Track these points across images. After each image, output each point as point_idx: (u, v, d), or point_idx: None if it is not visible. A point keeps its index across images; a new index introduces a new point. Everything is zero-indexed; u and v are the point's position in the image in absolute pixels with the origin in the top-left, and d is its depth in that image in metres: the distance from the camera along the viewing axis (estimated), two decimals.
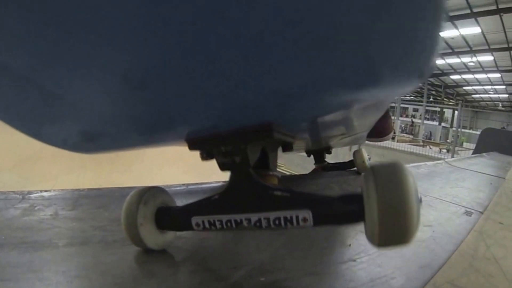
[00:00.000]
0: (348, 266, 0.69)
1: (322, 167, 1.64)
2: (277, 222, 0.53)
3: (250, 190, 0.55)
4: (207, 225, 0.57)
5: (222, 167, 0.57)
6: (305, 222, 0.53)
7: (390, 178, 0.47)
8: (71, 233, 0.66)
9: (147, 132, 0.53)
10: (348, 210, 0.53)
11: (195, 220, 0.58)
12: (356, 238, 0.83)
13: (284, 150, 0.65)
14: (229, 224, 0.56)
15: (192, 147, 0.56)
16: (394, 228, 0.46)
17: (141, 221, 0.60)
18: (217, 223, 0.56)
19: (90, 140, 0.55)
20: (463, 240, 0.94)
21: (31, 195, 0.77)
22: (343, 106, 0.50)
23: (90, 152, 0.63)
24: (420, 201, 0.47)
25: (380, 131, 1.60)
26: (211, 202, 0.58)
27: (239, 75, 0.36)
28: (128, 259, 0.59)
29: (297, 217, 0.53)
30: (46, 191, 0.80)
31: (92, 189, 0.83)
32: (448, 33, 15.82)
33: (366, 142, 1.71)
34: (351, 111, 0.58)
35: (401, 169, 0.48)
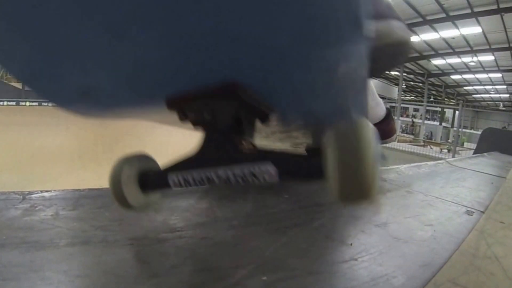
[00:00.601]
0: (350, 265, 0.69)
1: None
2: (243, 176, 0.56)
3: (218, 146, 0.59)
4: (182, 182, 0.60)
5: (194, 124, 0.61)
6: (270, 176, 0.54)
7: (349, 135, 0.48)
8: (72, 233, 0.66)
9: (130, 88, 0.60)
10: (311, 166, 0.55)
11: (171, 177, 0.61)
12: (357, 237, 0.83)
13: (262, 121, 0.66)
14: (201, 180, 0.58)
15: (169, 107, 0.59)
16: (352, 183, 0.47)
17: (125, 180, 0.65)
18: (191, 180, 0.59)
19: (84, 96, 0.62)
20: (464, 239, 0.94)
21: (32, 195, 0.77)
22: (301, 66, 0.51)
23: (86, 114, 0.70)
24: (384, 158, 0.48)
25: (382, 134, 1.59)
26: (186, 160, 0.62)
27: (198, 33, 0.42)
28: (130, 259, 0.59)
29: (261, 171, 0.54)
30: (46, 191, 0.80)
31: (93, 189, 0.83)
32: (448, 33, 15.82)
33: None
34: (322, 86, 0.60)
35: (361, 126, 0.49)
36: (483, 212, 1.25)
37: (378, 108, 1.51)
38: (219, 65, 0.50)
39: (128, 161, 0.67)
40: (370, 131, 0.48)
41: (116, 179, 0.65)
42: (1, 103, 10.64)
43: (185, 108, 0.60)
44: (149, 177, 0.68)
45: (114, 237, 0.65)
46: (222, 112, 0.59)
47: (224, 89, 0.54)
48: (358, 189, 0.47)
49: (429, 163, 2.19)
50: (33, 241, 0.61)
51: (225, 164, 0.57)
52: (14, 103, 10.88)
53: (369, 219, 0.97)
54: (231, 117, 0.59)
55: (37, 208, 0.72)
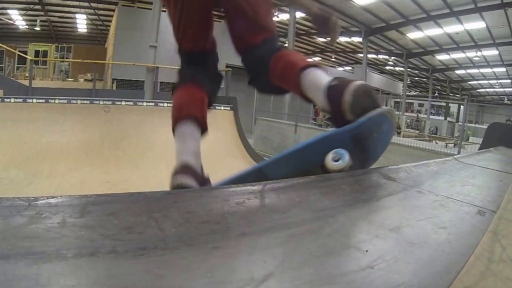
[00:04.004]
0: (366, 273, 0.67)
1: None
2: None
3: None
4: None
5: None
6: None
7: None
8: (80, 243, 0.63)
9: None
10: None
11: None
12: (372, 243, 0.81)
13: None
14: None
15: None
16: None
17: None
18: None
19: None
20: (479, 242, 0.92)
21: (37, 202, 0.75)
22: None
23: None
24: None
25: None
26: None
27: None
28: (141, 271, 0.57)
29: None
30: (53, 197, 0.78)
31: (101, 195, 0.81)
32: (452, 28, 15.78)
33: None
34: None
35: None
36: (495, 212, 1.22)
37: None
38: None
39: None
40: None
41: None
42: (8, 100, 10.65)
43: None
44: None
45: (124, 247, 0.63)
46: None
47: None
48: None
49: (437, 160, 2.16)
50: (39, 252, 0.59)
51: None
52: (21, 100, 10.89)
53: (382, 223, 0.95)
54: None
55: (43, 216, 0.70)
